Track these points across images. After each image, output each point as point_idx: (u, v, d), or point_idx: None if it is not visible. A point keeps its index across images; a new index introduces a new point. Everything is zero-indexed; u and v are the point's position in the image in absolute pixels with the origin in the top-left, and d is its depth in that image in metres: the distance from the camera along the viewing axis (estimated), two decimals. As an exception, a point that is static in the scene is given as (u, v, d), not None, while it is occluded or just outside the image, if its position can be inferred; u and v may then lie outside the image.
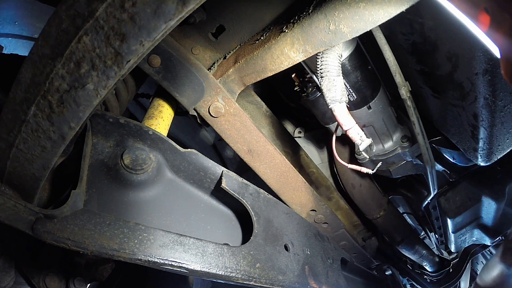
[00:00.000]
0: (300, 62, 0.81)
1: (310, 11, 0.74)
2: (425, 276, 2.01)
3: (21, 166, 0.64)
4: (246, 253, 0.82)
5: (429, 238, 1.98)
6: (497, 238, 1.55)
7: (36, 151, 0.61)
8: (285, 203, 1.08)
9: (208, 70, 0.95)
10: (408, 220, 1.96)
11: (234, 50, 1.00)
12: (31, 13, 1.87)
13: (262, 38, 0.88)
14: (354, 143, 0.83)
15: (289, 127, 1.54)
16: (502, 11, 0.40)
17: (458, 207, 1.39)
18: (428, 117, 1.00)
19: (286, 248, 0.93)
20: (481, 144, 0.88)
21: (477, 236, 1.62)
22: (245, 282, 0.79)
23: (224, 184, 0.86)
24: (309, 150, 1.55)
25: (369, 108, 0.97)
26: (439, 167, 1.35)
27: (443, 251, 1.98)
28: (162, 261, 0.71)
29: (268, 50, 0.81)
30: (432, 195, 1.25)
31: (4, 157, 0.63)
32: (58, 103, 0.53)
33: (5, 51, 1.94)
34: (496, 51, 0.51)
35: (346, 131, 0.80)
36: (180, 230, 0.87)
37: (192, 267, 0.73)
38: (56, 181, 0.84)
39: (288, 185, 1.07)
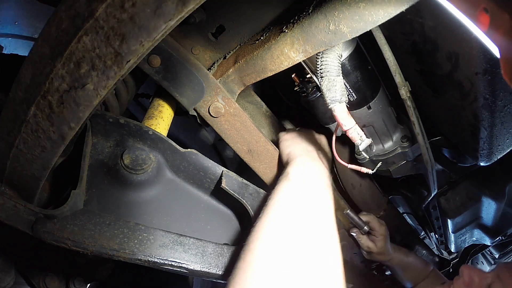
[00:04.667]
0: (300, 62, 0.81)
1: (310, 11, 0.74)
2: (425, 276, 2.01)
3: (21, 166, 0.64)
4: (246, 253, 0.82)
5: (429, 238, 1.98)
6: (497, 238, 1.56)
7: (36, 151, 0.61)
8: (285, 203, 1.08)
9: (208, 70, 0.95)
10: (408, 220, 1.95)
11: (234, 50, 1.00)
12: (31, 13, 1.87)
13: (262, 38, 0.88)
14: (354, 143, 0.83)
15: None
16: (501, 11, 0.40)
17: (458, 207, 1.39)
18: (428, 117, 1.00)
19: (286, 248, 0.93)
20: (481, 144, 0.88)
21: (477, 236, 1.62)
22: (245, 282, 0.79)
23: (224, 184, 0.86)
24: (309, 150, 1.54)
25: (369, 108, 0.97)
26: (439, 167, 1.35)
27: (443, 251, 1.98)
28: (162, 261, 0.71)
29: (268, 50, 0.81)
30: (432, 195, 1.24)
31: (4, 157, 0.63)
32: (58, 103, 0.53)
33: (5, 51, 1.94)
34: (496, 51, 0.51)
35: (346, 131, 0.80)
36: (180, 230, 0.87)
37: (192, 267, 0.73)
38: (56, 181, 0.84)
39: (288, 185, 1.07)
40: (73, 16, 0.47)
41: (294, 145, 0.99)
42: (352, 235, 1.35)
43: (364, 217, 1.33)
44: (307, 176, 0.82)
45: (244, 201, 0.88)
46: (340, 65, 0.78)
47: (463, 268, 1.05)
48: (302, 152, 0.94)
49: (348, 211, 1.27)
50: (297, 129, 1.16)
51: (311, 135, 1.11)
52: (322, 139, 1.14)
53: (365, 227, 1.32)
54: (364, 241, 1.34)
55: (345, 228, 1.34)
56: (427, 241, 2.06)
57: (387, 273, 1.58)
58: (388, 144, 1.13)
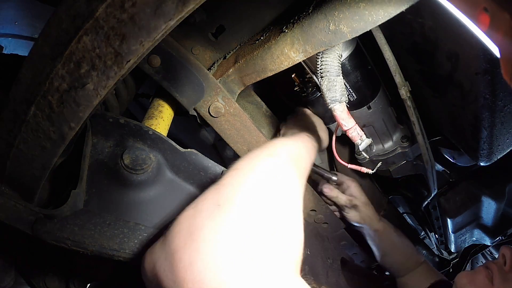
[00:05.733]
0: (300, 62, 0.81)
1: (310, 11, 0.74)
2: (425, 276, 2.01)
3: (21, 166, 0.64)
4: (246, 253, 0.82)
5: (429, 238, 1.98)
6: (497, 238, 1.56)
7: (36, 151, 0.61)
8: (285, 203, 1.08)
9: (208, 70, 0.95)
10: (408, 220, 1.96)
11: (234, 50, 1.00)
12: (31, 13, 1.86)
13: (262, 38, 0.88)
14: (354, 143, 0.83)
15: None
16: (502, 11, 0.40)
17: (458, 207, 1.39)
18: (428, 117, 1.00)
19: (286, 248, 0.93)
20: (481, 144, 0.88)
21: (477, 236, 1.62)
22: (245, 282, 0.79)
23: (224, 184, 0.86)
24: (309, 150, 1.54)
25: (369, 108, 0.97)
26: (439, 167, 1.35)
27: (443, 251, 1.98)
28: (162, 261, 0.71)
29: (268, 50, 0.81)
30: (432, 195, 1.24)
31: (4, 157, 0.63)
32: (58, 103, 0.53)
33: (5, 51, 1.94)
34: (496, 51, 0.51)
35: (346, 131, 0.80)
36: (180, 230, 0.87)
37: (192, 267, 0.73)
38: (56, 181, 0.84)
39: (288, 185, 1.07)
40: (73, 16, 0.47)
41: (284, 132, 1.02)
42: (324, 193, 1.24)
43: (334, 176, 1.23)
44: (278, 148, 0.71)
45: (244, 201, 0.88)
46: (340, 65, 0.78)
47: (505, 250, 0.96)
48: (286, 134, 0.98)
49: (313, 167, 1.17)
50: (293, 115, 1.15)
51: (300, 118, 1.11)
52: (312, 119, 1.10)
53: (333, 177, 1.22)
54: (341, 196, 1.22)
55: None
56: (427, 241, 2.06)
57: (387, 273, 1.58)
58: (388, 144, 1.13)
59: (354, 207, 1.23)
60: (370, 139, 0.84)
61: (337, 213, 1.30)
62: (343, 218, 1.29)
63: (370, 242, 1.35)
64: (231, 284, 0.38)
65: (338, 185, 1.26)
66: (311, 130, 1.01)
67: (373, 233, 1.28)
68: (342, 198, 1.23)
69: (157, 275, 0.42)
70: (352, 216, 1.25)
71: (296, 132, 1.01)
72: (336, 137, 0.98)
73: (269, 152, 0.63)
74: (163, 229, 0.48)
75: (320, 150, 1.05)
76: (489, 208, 1.40)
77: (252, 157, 0.61)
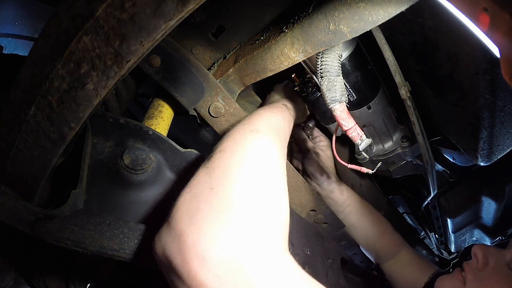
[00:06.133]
0: (300, 62, 0.81)
1: (310, 11, 0.74)
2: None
3: (21, 166, 0.64)
4: (246, 253, 0.82)
5: (429, 238, 1.98)
6: (497, 238, 1.56)
7: (36, 151, 0.61)
8: (285, 203, 1.08)
9: (208, 70, 0.95)
10: (408, 220, 1.95)
11: (234, 50, 1.00)
12: (31, 13, 1.86)
13: (262, 38, 0.88)
14: (354, 143, 0.83)
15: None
16: (502, 11, 0.40)
17: (458, 207, 1.39)
18: (428, 117, 1.00)
19: (286, 248, 0.93)
20: (481, 144, 0.88)
21: (477, 236, 1.62)
22: (245, 282, 0.79)
23: (224, 184, 0.86)
24: (309, 150, 1.54)
25: (369, 108, 0.97)
26: (439, 167, 1.35)
27: (443, 251, 1.98)
28: (162, 261, 0.70)
29: (268, 50, 0.81)
30: (432, 195, 1.24)
31: (4, 157, 0.63)
32: (58, 103, 0.53)
33: (5, 51, 1.94)
34: (496, 51, 0.51)
35: (346, 131, 0.80)
36: (180, 230, 0.87)
37: (192, 267, 0.73)
38: (56, 181, 0.84)
39: (288, 185, 1.06)
40: (73, 16, 0.47)
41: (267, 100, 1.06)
42: (296, 135, 1.29)
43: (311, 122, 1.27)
44: (259, 122, 0.73)
45: (244, 201, 0.87)
46: (340, 65, 0.78)
47: (476, 249, 0.93)
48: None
49: None
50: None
51: (280, 89, 1.13)
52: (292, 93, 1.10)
53: (310, 123, 1.27)
54: (309, 141, 1.27)
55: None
56: (427, 241, 2.06)
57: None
58: (388, 144, 1.13)
59: (316, 154, 1.26)
60: (370, 139, 0.84)
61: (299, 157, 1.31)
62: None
63: (332, 206, 1.29)
64: (229, 259, 0.44)
65: (313, 137, 1.31)
66: (290, 100, 1.02)
67: (331, 191, 1.27)
68: (309, 143, 1.27)
69: (167, 257, 0.48)
70: (313, 162, 1.26)
71: (275, 100, 1.04)
72: (336, 137, 0.98)
73: (251, 128, 0.66)
74: (164, 216, 0.53)
75: (296, 121, 1.06)
76: (489, 208, 1.40)
77: (236, 136, 0.64)
